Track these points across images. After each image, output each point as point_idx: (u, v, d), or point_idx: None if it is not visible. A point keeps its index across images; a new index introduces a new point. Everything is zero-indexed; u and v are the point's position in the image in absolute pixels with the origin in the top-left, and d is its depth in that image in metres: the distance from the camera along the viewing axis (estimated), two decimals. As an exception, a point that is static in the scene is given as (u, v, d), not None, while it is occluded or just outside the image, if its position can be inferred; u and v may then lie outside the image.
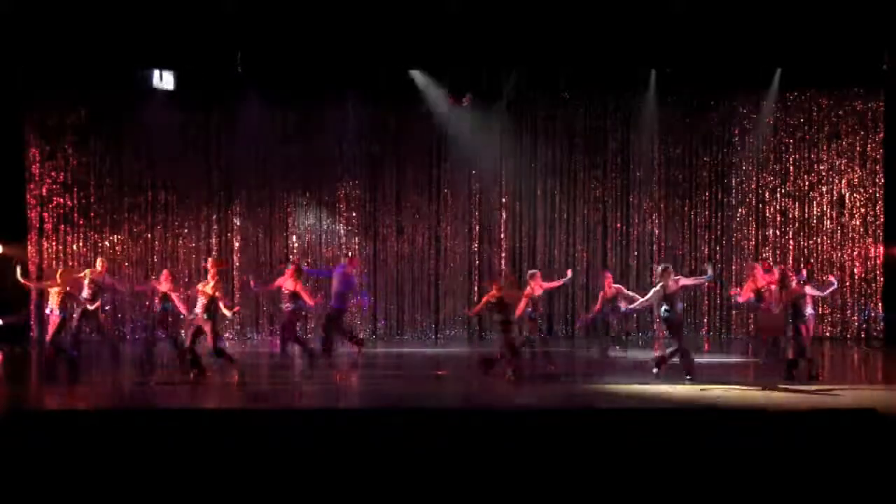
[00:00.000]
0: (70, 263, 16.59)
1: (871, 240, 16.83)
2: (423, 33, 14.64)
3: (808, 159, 17.05)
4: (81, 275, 12.70)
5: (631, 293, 13.67)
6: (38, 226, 16.69)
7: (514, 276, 15.24)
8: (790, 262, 16.27)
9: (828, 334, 16.63)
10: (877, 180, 16.78)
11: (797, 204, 17.04)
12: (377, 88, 16.49)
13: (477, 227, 17.29)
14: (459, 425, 8.24)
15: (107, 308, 15.31)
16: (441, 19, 14.29)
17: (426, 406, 9.82)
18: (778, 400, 9.94)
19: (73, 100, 16.64)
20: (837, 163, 16.94)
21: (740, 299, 13.07)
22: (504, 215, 17.24)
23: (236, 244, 17.01)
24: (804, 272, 12.98)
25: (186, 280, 15.95)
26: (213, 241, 17.00)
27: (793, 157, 17.09)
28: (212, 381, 11.38)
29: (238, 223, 17.06)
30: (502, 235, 17.26)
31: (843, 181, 16.93)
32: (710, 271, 11.90)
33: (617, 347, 14.48)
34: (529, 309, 11.95)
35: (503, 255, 17.23)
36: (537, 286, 12.10)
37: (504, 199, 17.25)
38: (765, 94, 16.67)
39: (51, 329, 12.37)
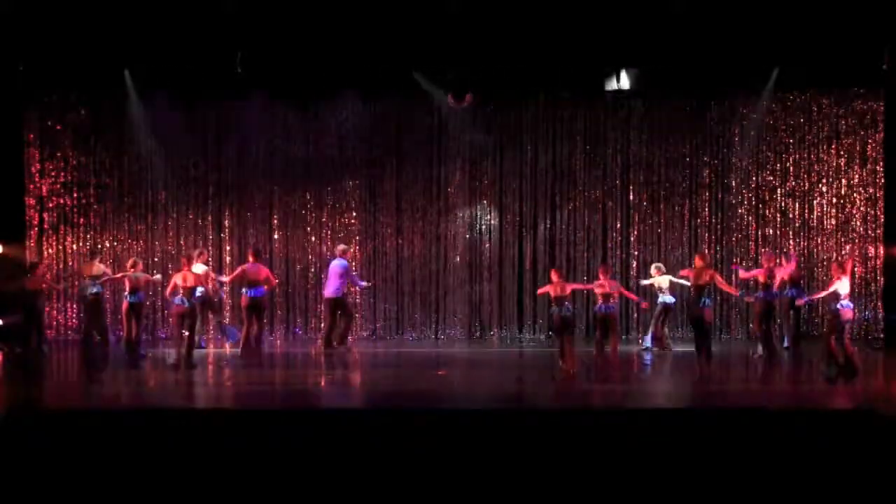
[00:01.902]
0: (70, 263, 16.66)
1: (871, 240, 16.80)
2: (424, 33, 14.63)
3: (808, 159, 17.03)
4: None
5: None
6: (37, 226, 16.69)
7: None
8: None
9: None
10: (877, 180, 16.75)
11: (797, 204, 17.02)
12: (377, 88, 16.49)
13: (476, 227, 17.26)
14: (459, 425, 8.24)
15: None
16: (441, 19, 14.27)
17: (426, 406, 9.82)
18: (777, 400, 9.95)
19: (73, 100, 16.63)
20: (837, 163, 16.92)
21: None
22: (504, 215, 17.21)
23: (236, 244, 17.00)
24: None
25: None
26: (216, 240, 16.98)
27: (793, 157, 17.06)
28: (209, 380, 11.39)
29: (238, 223, 17.04)
30: (502, 235, 17.22)
31: (843, 181, 16.92)
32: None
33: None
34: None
35: (500, 254, 17.21)
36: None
37: (504, 199, 17.22)
38: (763, 94, 16.63)
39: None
